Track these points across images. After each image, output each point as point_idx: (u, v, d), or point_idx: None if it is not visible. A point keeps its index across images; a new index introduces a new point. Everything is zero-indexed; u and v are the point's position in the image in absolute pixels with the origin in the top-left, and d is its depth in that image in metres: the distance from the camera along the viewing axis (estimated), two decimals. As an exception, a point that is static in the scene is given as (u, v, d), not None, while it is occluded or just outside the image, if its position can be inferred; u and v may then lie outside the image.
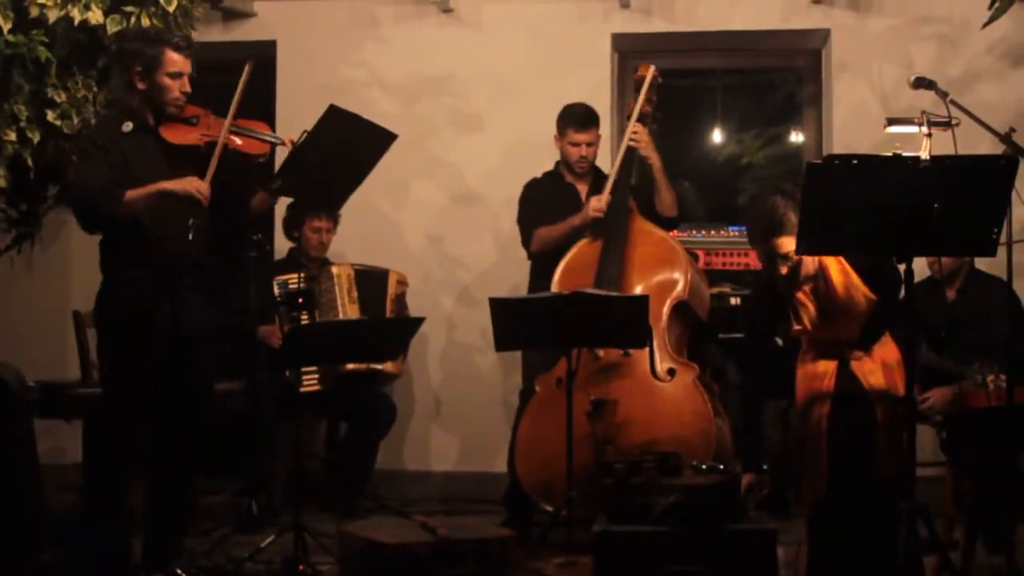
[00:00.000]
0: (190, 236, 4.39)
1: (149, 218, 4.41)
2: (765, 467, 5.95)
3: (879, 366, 4.36)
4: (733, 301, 6.03)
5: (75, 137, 5.25)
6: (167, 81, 4.50)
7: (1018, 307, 5.16)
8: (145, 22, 5.46)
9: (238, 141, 4.56)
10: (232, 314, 5.81)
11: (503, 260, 6.48)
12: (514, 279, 6.16)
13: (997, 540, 4.51)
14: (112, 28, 5.42)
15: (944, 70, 6.13)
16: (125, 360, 4.49)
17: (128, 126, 4.51)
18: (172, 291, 4.47)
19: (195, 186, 4.38)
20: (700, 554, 3.99)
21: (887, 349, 4.42)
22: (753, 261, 6.13)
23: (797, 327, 4.45)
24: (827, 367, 4.39)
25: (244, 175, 4.65)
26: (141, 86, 4.52)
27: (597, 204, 5.32)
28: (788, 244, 4.29)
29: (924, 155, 3.78)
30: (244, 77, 4.54)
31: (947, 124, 4.15)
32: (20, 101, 5.32)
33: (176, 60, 4.51)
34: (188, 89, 4.55)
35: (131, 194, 4.34)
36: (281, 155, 4.76)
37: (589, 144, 5.68)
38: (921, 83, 4.31)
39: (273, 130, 5.05)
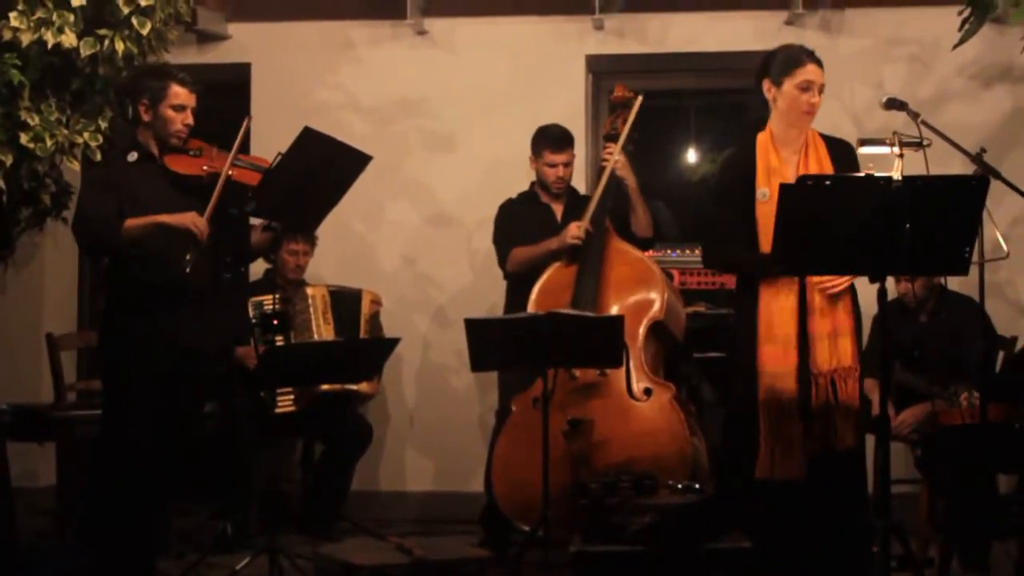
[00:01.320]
0: (187, 269, 4.50)
1: (153, 245, 4.56)
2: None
3: (826, 335, 4.32)
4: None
5: (56, 159, 5.51)
6: (171, 113, 4.70)
7: (990, 326, 5.21)
8: (119, 46, 5.49)
9: (242, 174, 4.69)
10: (224, 338, 5.80)
11: (478, 281, 6.49)
12: (490, 300, 6.16)
13: (972, 558, 4.53)
14: (85, 51, 5.43)
15: (915, 91, 6.19)
16: (126, 383, 4.63)
17: (133, 156, 4.72)
18: (174, 313, 4.60)
19: (192, 220, 4.52)
20: (676, 573, 3.99)
21: (840, 316, 4.35)
22: (728, 281, 6.16)
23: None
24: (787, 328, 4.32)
25: (241, 203, 4.71)
26: (147, 118, 4.73)
27: (576, 231, 5.33)
28: (813, 72, 4.37)
29: (896, 175, 3.81)
30: (243, 129, 4.71)
31: (918, 144, 4.18)
32: (-7, 124, 5.33)
33: (180, 93, 4.72)
34: (191, 122, 4.74)
35: (130, 223, 4.53)
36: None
37: (565, 165, 5.69)
38: (892, 104, 4.34)
39: (246, 152, 5.05)
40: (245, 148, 6.20)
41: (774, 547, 4.23)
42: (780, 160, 4.40)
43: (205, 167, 4.68)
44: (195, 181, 4.67)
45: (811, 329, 4.26)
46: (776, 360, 4.28)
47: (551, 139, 5.70)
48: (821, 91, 4.41)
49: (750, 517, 4.28)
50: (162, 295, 4.60)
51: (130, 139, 4.84)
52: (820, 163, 4.39)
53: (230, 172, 4.64)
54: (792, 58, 4.40)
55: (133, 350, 4.60)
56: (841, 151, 4.45)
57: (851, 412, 4.25)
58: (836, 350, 4.28)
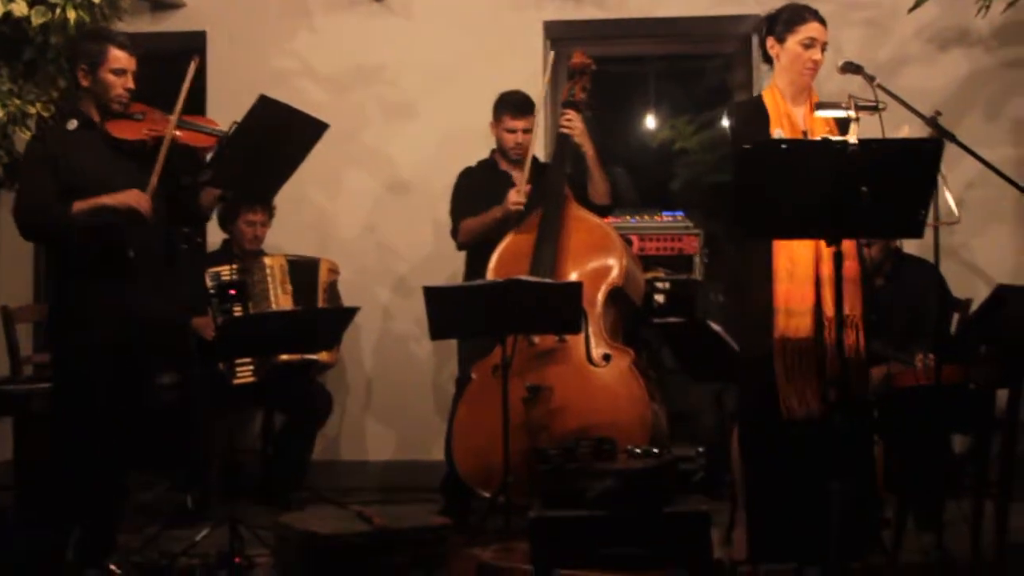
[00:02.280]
0: (131, 254, 4.45)
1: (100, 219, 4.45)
2: (700, 449, 6.03)
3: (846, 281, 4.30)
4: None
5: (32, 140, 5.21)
6: (111, 78, 4.56)
7: (945, 289, 5.24)
8: (71, 14, 5.42)
9: (180, 134, 4.58)
10: (176, 308, 5.77)
11: (438, 249, 6.47)
12: (450, 268, 6.15)
13: (927, 518, 4.58)
14: (37, 20, 5.36)
15: (872, 55, 6.20)
16: (73, 358, 4.54)
17: (73, 123, 4.59)
18: (117, 287, 4.50)
19: (136, 199, 4.43)
20: (635, 537, 4.00)
21: (852, 264, 4.32)
22: (687, 246, 6.18)
23: None
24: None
25: (193, 170, 4.66)
26: (86, 83, 4.59)
27: (516, 197, 5.34)
28: (816, 29, 4.39)
29: (852, 139, 3.82)
30: (189, 73, 4.56)
31: (874, 108, 4.18)
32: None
33: (120, 57, 4.58)
34: (132, 86, 4.61)
35: (77, 207, 4.41)
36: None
37: (525, 131, 5.68)
38: (849, 67, 4.34)
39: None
40: (200, 109, 6.17)
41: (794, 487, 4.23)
42: (789, 108, 4.42)
43: (148, 131, 4.57)
44: (139, 146, 4.57)
45: (822, 273, 4.25)
46: (795, 299, 4.25)
47: (511, 104, 5.68)
48: (824, 49, 4.44)
49: (775, 455, 4.28)
50: (110, 265, 4.51)
51: (70, 106, 4.74)
52: (826, 119, 4.40)
53: (176, 133, 4.54)
54: (796, 15, 4.44)
55: (82, 321, 4.51)
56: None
57: (859, 361, 4.28)
58: (853, 296, 4.29)
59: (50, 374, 4.90)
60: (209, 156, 4.68)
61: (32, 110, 5.51)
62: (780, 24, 4.46)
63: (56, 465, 4.56)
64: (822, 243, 4.23)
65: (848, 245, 4.27)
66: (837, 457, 3.92)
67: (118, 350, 4.52)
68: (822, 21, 4.44)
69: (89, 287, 4.51)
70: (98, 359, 4.50)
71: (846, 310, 4.22)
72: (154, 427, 5.25)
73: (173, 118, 4.53)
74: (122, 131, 4.58)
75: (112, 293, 4.50)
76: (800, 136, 4.30)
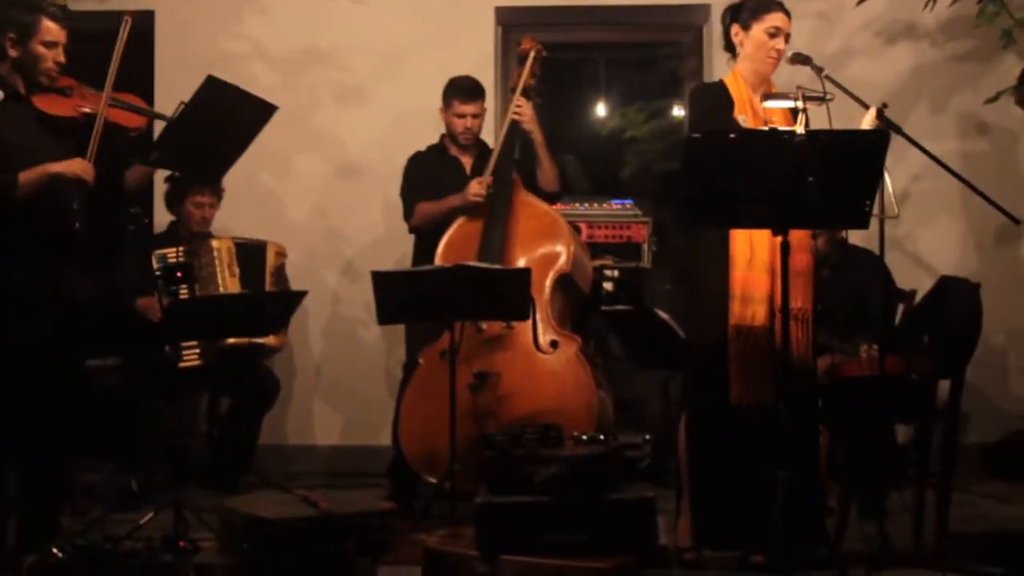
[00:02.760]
0: (76, 224, 4.35)
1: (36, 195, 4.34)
2: (647, 437, 6.06)
3: (800, 273, 4.33)
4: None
5: None
6: (41, 50, 4.41)
7: (890, 280, 5.29)
8: (19, -11, 5.33)
9: (118, 114, 4.50)
10: (112, 290, 5.71)
11: (387, 233, 6.46)
12: (398, 252, 6.14)
13: (870, 507, 4.62)
14: (-16, -3, 5.27)
15: (821, 46, 6.24)
16: (12, 336, 4.40)
17: None
18: (52, 268, 4.40)
19: (82, 167, 4.34)
20: (581, 523, 4.02)
21: (808, 257, 4.41)
22: (636, 234, 6.19)
23: None
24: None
25: (118, 148, 4.56)
26: (13, 53, 4.42)
27: (477, 188, 5.33)
28: (780, 19, 4.42)
29: (799, 129, 3.85)
30: (122, 35, 4.49)
31: (822, 99, 4.22)
32: None
33: (52, 29, 4.42)
34: (62, 59, 4.47)
35: (23, 176, 4.29)
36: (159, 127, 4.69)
37: (475, 116, 5.67)
38: (798, 59, 4.38)
39: (151, 102, 4.94)
40: (149, 89, 6.08)
41: (737, 499, 4.28)
42: (752, 95, 4.44)
43: (78, 108, 4.46)
44: (68, 123, 4.45)
45: (777, 263, 4.22)
46: (752, 287, 4.29)
47: (460, 89, 5.68)
48: (787, 39, 4.47)
49: (722, 442, 4.31)
50: (43, 246, 4.39)
51: None
52: (783, 109, 4.42)
53: (108, 112, 4.44)
54: (762, 4, 4.46)
55: (13, 304, 4.38)
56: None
57: (806, 354, 4.33)
58: (803, 289, 4.33)
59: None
60: (135, 135, 4.60)
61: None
62: (745, 11, 4.48)
63: None
64: (798, 232, 4.26)
65: (801, 237, 4.31)
66: (783, 446, 3.95)
67: (54, 334, 4.41)
68: (787, 12, 4.47)
69: (22, 270, 4.38)
70: (31, 344, 4.39)
71: (797, 303, 4.27)
72: (97, 410, 5.22)
73: (105, 95, 4.43)
74: (51, 106, 4.45)
75: (46, 276, 4.40)
76: (763, 125, 4.32)
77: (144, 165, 4.65)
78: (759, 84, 4.49)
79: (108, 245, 5.48)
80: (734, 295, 4.30)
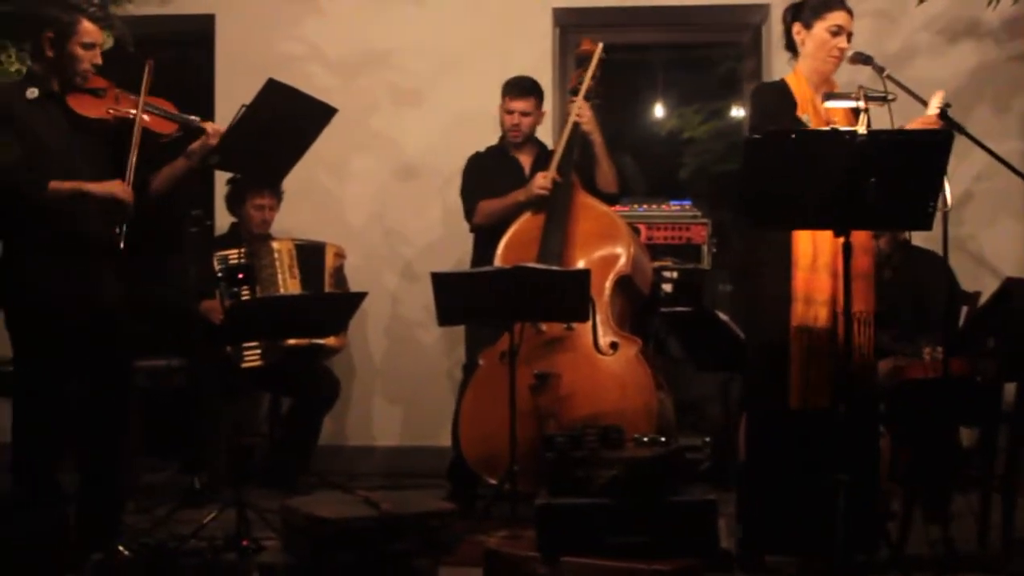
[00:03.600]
0: (121, 243, 4.28)
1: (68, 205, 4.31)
2: (707, 439, 6.04)
3: (861, 275, 4.29)
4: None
5: None
6: (79, 51, 4.36)
7: (953, 281, 5.24)
8: (80, -5, 5.39)
9: (147, 119, 4.46)
10: (170, 290, 5.77)
11: (446, 235, 6.48)
12: (457, 254, 6.15)
13: (934, 511, 4.57)
14: (44, 1, 5.33)
15: (882, 46, 6.17)
16: (36, 339, 4.39)
17: (33, 92, 4.36)
18: (84, 268, 4.38)
19: (119, 189, 4.28)
20: (642, 526, 4.01)
21: (870, 259, 4.38)
22: (695, 235, 6.17)
23: None
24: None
25: (146, 154, 4.47)
26: (50, 53, 4.36)
27: (543, 181, 5.33)
28: (843, 18, 4.39)
29: (861, 130, 3.81)
30: (146, 77, 4.43)
31: (884, 99, 4.19)
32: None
33: (90, 30, 4.38)
34: (99, 61, 4.43)
35: (54, 185, 4.24)
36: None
37: (524, 113, 5.68)
38: (859, 58, 4.34)
39: (211, 105, 4.95)
40: (209, 93, 6.12)
41: (794, 504, 4.25)
42: (814, 94, 4.42)
43: (111, 110, 4.42)
44: (101, 125, 4.42)
45: (839, 265, 4.21)
46: (815, 289, 4.27)
47: (512, 85, 5.72)
48: (850, 38, 4.43)
49: (781, 445, 4.28)
50: (74, 251, 4.35)
51: (28, 73, 4.52)
52: (845, 109, 4.40)
53: (144, 118, 4.40)
54: (825, 2, 4.42)
55: (45, 307, 4.34)
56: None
57: (868, 357, 4.29)
58: (867, 292, 4.30)
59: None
60: (165, 141, 4.54)
61: (40, 90, 5.47)
62: (807, 10, 4.46)
63: (17, 452, 4.47)
64: (859, 234, 4.22)
65: (863, 239, 4.28)
66: (844, 450, 3.92)
67: (86, 338, 4.39)
68: (849, 10, 4.43)
69: (53, 275, 4.34)
70: (63, 351, 4.37)
71: (859, 306, 4.23)
72: (162, 410, 5.27)
73: (140, 102, 4.39)
74: (84, 107, 4.40)
75: (77, 280, 4.36)
76: (824, 125, 4.29)
77: (212, 168, 4.65)
78: (821, 83, 4.46)
79: (166, 247, 5.53)
80: (796, 297, 4.27)
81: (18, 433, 4.41)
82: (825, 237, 4.21)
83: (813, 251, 4.27)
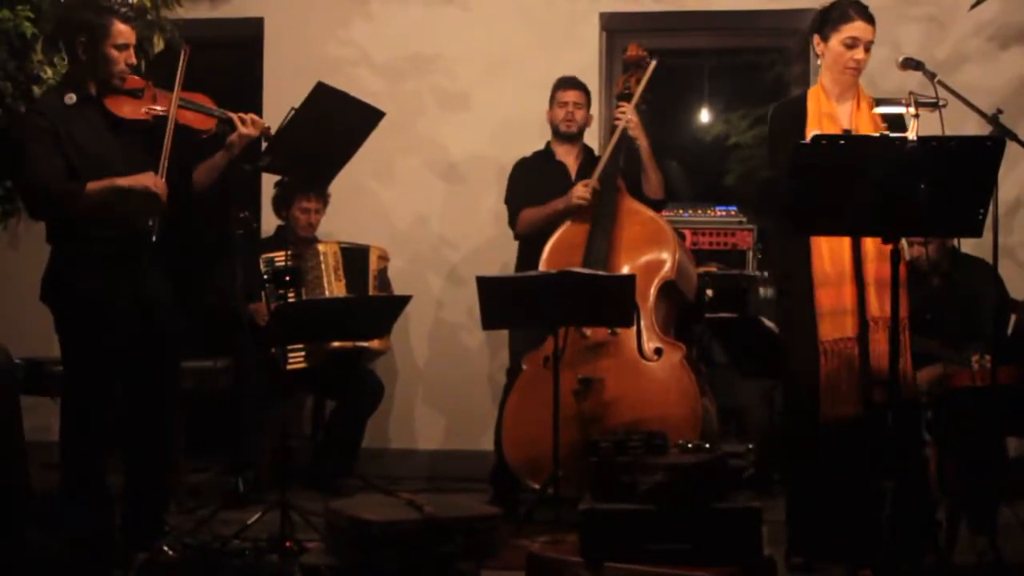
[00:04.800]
0: (153, 237, 4.28)
1: (108, 205, 4.31)
2: (750, 446, 6.01)
3: (879, 282, 4.29)
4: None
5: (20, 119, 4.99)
6: (113, 53, 4.35)
7: (1002, 289, 5.19)
8: (132, 1, 5.42)
9: (188, 116, 4.46)
10: (216, 291, 5.80)
11: (491, 239, 6.48)
12: (502, 258, 6.16)
13: (981, 520, 4.53)
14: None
15: (932, 51, 6.13)
16: (83, 340, 4.40)
17: (71, 98, 4.37)
18: (130, 267, 4.39)
19: (152, 182, 4.26)
20: (685, 532, 3.99)
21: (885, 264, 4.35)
22: (741, 241, 6.15)
23: None
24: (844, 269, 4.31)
25: (187, 149, 4.51)
26: (84, 57, 4.37)
27: (582, 191, 5.33)
28: (859, 28, 4.37)
29: (911, 136, 3.78)
30: (182, 64, 4.44)
31: (935, 105, 4.14)
32: (5, 77, 5.28)
33: (123, 31, 4.37)
34: (133, 61, 4.44)
35: (91, 188, 4.25)
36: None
37: (576, 104, 5.72)
38: (909, 64, 4.31)
39: (260, 107, 4.96)
40: (257, 95, 6.14)
41: (836, 511, 4.25)
42: (832, 106, 4.42)
43: (149, 110, 4.42)
44: (139, 125, 4.42)
45: (867, 274, 4.27)
46: (832, 300, 4.29)
47: (562, 80, 5.78)
48: (868, 48, 4.41)
49: (822, 454, 4.28)
50: (117, 252, 4.37)
51: (65, 78, 4.56)
52: (873, 118, 4.39)
53: (182, 114, 4.40)
54: (842, 13, 4.41)
55: (88, 310, 4.37)
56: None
57: (906, 362, 4.26)
58: (885, 299, 4.27)
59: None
60: (204, 137, 4.55)
61: (92, 93, 5.52)
62: (825, 22, 4.44)
63: (66, 451, 4.48)
64: (867, 244, 4.23)
65: (881, 246, 4.25)
66: (887, 457, 3.90)
67: (132, 339, 4.42)
68: (869, 20, 4.40)
69: (96, 276, 4.36)
70: (108, 352, 4.40)
71: (886, 312, 4.22)
72: (207, 411, 5.30)
73: (174, 98, 4.38)
74: (121, 108, 4.40)
75: (121, 282, 4.38)
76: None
77: (263, 170, 4.67)
78: (843, 93, 4.46)
79: (213, 248, 5.56)
80: (821, 312, 4.30)
81: (66, 433, 4.45)
82: (841, 248, 4.25)
83: (829, 264, 4.29)
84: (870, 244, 4.28)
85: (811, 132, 4.31)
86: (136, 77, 4.49)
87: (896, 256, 3.91)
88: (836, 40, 4.41)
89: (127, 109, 4.42)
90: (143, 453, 4.57)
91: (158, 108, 4.44)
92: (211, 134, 4.58)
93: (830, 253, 4.29)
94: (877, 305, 4.25)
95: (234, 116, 4.54)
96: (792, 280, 4.44)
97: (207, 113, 4.53)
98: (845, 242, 4.27)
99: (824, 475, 4.30)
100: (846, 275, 4.27)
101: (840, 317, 4.28)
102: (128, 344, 4.43)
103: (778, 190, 4.52)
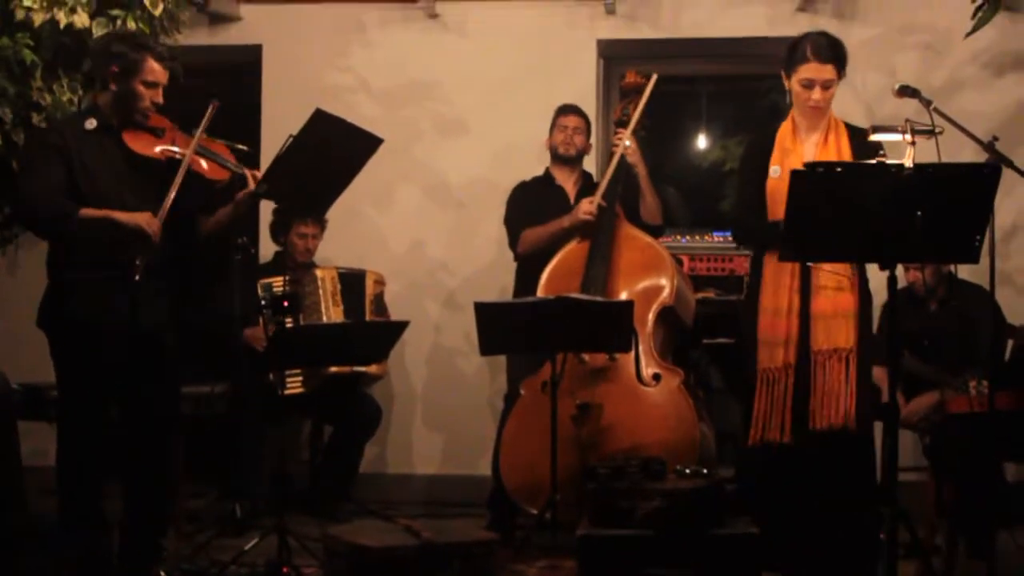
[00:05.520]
0: (136, 277, 4.30)
1: (105, 233, 4.34)
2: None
3: (826, 315, 4.42)
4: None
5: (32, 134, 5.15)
6: (141, 89, 4.42)
7: (1000, 315, 5.20)
8: (131, 25, 5.46)
9: (203, 164, 4.52)
10: (214, 317, 5.81)
11: (488, 264, 6.50)
12: (499, 284, 6.17)
13: (978, 546, 4.53)
14: (98, 31, 5.41)
15: (928, 79, 6.16)
16: (75, 365, 4.43)
17: (92, 123, 4.45)
18: (127, 294, 4.38)
19: (146, 221, 4.30)
20: (683, 558, 4.00)
21: (844, 297, 4.44)
22: (738, 267, 6.16)
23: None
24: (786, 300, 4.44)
25: (196, 197, 4.56)
26: (113, 87, 4.44)
27: (588, 207, 5.33)
28: (812, 70, 4.45)
29: (908, 163, 3.80)
30: (207, 116, 4.49)
31: (931, 132, 4.16)
32: (5, 103, 5.31)
33: (155, 70, 4.45)
34: (160, 100, 4.49)
35: (84, 214, 4.29)
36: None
37: (576, 129, 5.75)
38: (905, 91, 4.32)
39: (258, 134, 4.97)
40: (255, 122, 6.16)
41: (782, 529, 4.29)
42: (796, 142, 4.52)
43: (164, 151, 4.47)
44: (152, 164, 4.46)
45: (812, 308, 4.40)
46: (768, 330, 4.45)
47: (562, 106, 5.82)
48: (827, 86, 4.48)
49: (761, 497, 4.34)
50: (114, 279, 4.38)
51: (89, 104, 4.61)
52: (839, 149, 4.47)
53: (196, 160, 4.45)
54: (798, 54, 4.51)
55: (83, 337, 4.40)
56: (862, 140, 4.48)
57: (838, 393, 4.35)
58: (834, 331, 4.35)
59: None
60: (218, 187, 4.59)
61: (91, 120, 5.53)
62: (786, 61, 4.55)
63: (61, 476, 4.49)
64: (819, 276, 4.39)
65: (841, 278, 4.36)
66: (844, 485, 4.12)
67: (125, 365, 4.43)
68: (826, 59, 4.46)
69: (91, 302, 4.39)
70: (102, 377, 4.42)
71: (838, 343, 4.36)
72: (204, 436, 5.29)
73: (192, 144, 4.44)
74: (138, 144, 4.45)
75: (115, 308, 4.38)
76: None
77: (260, 197, 4.69)
78: (811, 126, 4.55)
79: (212, 273, 5.57)
80: (761, 340, 4.47)
81: (62, 458, 4.45)
82: (780, 283, 4.43)
83: (768, 296, 4.45)
84: (821, 278, 4.39)
85: (772, 168, 4.42)
86: (161, 117, 4.54)
87: (893, 283, 3.92)
88: (795, 80, 4.53)
89: (143, 145, 4.46)
90: (142, 478, 4.56)
91: (175, 150, 4.48)
92: (224, 184, 4.63)
93: (773, 286, 4.45)
94: (823, 338, 4.38)
95: (248, 174, 4.57)
96: (745, 311, 4.60)
97: (222, 164, 4.57)
98: (788, 276, 4.42)
99: (771, 496, 4.43)
100: (782, 309, 4.41)
101: (773, 348, 4.43)
102: (123, 370, 4.43)
103: (740, 219, 4.77)
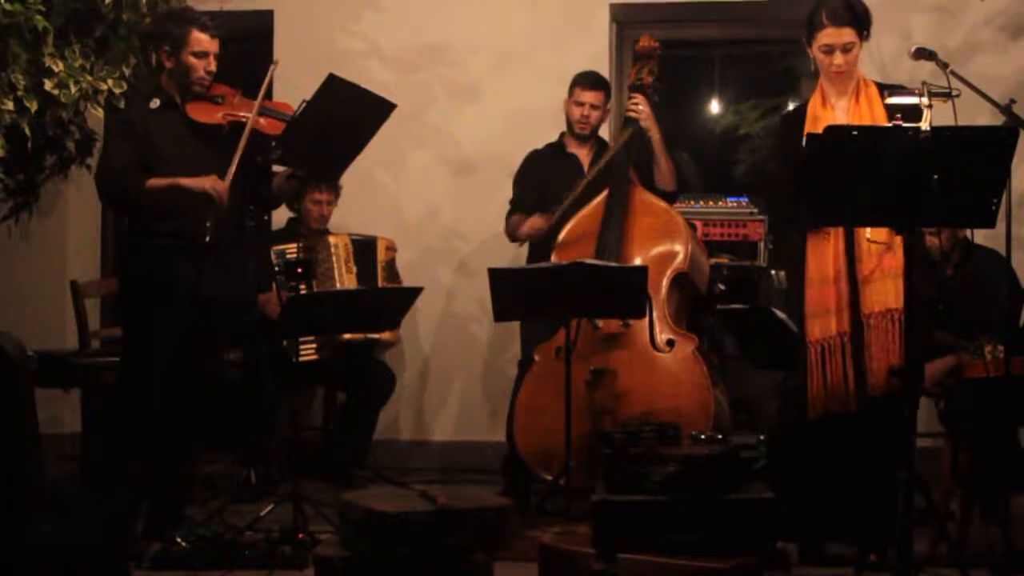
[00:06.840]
0: (207, 237, 4.52)
1: (173, 201, 4.58)
2: (762, 437, 5.99)
3: (872, 278, 4.37)
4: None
5: (111, 113, 5.39)
6: (192, 60, 4.67)
7: (1015, 279, 5.18)
8: (141, -9, 5.47)
9: (263, 122, 4.68)
10: (227, 284, 5.81)
11: (501, 231, 6.45)
12: (513, 250, 6.15)
13: (993, 511, 4.53)
14: (106, -4, 5.42)
15: (944, 41, 6.11)
16: (141, 325, 4.67)
17: (155, 103, 4.71)
18: (194, 258, 4.63)
19: (211, 184, 4.52)
20: (698, 523, 3.99)
21: (888, 259, 4.37)
22: (752, 232, 6.14)
23: None
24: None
25: (263, 151, 4.74)
26: (168, 65, 4.71)
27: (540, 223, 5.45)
28: (830, 35, 4.40)
29: (924, 126, 3.78)
30: (270, 74, 4.78)
31: (947, 95, 4.13)
32: (17, 70, 5.30)
33: (202, 40, 4.68)
34: (214, 68, 4.72)
35: (152, 183, 4.54)
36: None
37: (593, 106, 5.69)
38: (922, 54, 4.30)
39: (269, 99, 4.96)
40: (268, 94, 6.19)
41: (807, 496, 4.28)
42: (826, 108, 4.46)
43: (225, 115, 4.68)
44: (216, 130, 4.67)
45: (860, 271, 4.33)
46: (816, 301, 4.36)
47: (585, 77, 5.73)
48: (847, 49, 4.41)
49: (801, 459, 4.32)
50: (182, 246, 4.61)
51: (153, 85, 4.84)
52: (872, 110, 4.40)
53: (260, 121, 4.65)
54: (814, 21, 4.46)
55: (153, 301, 4.63)
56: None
57: (892, 355, 4.29)
58: (883, 292, 4.30)
59: (119, 347, 4.98)
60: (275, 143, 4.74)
61: (103, 86, 5.54)
62: (808, 28, 4.50)
63: (122, 438, 4.64)
64: (861, 241, 4.30)
65: (888, 236, 4.28)
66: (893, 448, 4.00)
67: (189, 329, 4.63)
68: (841, 22, 4.40)
69: (162, 268, 4.62)
70: (169, 338, 4.61)
71: (883, 305, 4.26)
72: (218, 402, 5.31)
73: (256, 107, 4.62)
74: (200, 114, 4.68)
75: (184, 274, 4.62)
76: None
77: (274, 163, 4.78)
78: (841, 92, 4.49)
79: (247, 245, 5.61)
80: (809, 312, 4.38)
81: (127, 413, 4.68)
82: (823, 252, 4.33)
83: (817, 264, 4.36)
84: (864, 242, 4.33)
85: (808, 136, 4.35)
86: (222, 84, 4.78)
87: (910, 246, 3.91)
88: (816, 47, 4.47)
89: (205, 114, 4.70)
90: (176, 445, 4.69)
91: (240, 114, 4.68)
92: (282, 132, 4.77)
93: (815, 256, 4.37)
94: (871, 302, 4.31)
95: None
96: (791, 282, 4.57)
97: (281, 119, 4.73)
98: (832, 244, 4.34)
99: (823, 467, 4.38)
100: (829, 277, 4.34)
101: (824, 318, 4.35)
102: (183, 337, 4.63)
103: (783, 194, 4.65)
